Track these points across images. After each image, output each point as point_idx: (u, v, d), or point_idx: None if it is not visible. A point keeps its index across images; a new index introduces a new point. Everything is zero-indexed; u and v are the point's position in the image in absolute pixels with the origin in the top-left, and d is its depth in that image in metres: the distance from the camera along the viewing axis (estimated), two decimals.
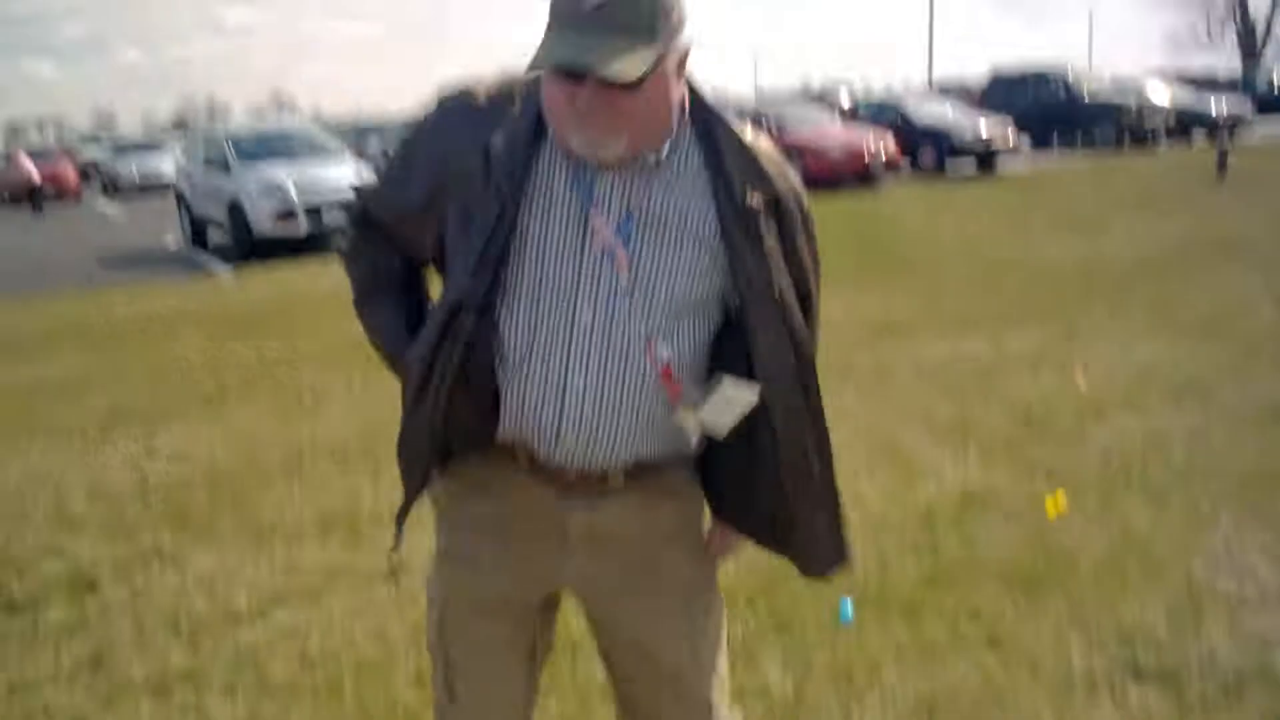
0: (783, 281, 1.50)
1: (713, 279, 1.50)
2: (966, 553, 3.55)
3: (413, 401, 1.55)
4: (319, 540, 4.00)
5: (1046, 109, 23.89)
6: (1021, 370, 5.71)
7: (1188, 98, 26.16)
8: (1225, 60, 45.72)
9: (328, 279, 10.45)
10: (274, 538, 4.04)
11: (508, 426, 1.53)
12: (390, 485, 4.43)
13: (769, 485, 1.57)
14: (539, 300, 1.47)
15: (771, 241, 1.50)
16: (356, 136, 27.20)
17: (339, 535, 4.04)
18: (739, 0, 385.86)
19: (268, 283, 10.63)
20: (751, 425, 1.52)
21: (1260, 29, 46.98)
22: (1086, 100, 23.70)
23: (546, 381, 1.48)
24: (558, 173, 1.48)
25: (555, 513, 1.58)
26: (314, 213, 12.69)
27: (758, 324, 1.49)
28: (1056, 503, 3.79)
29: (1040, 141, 23.91)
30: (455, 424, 1.53)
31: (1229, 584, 3.23)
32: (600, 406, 1.48)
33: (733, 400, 1.50)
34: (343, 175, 12.99)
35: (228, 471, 4.84)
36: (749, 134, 1.54)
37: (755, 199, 1.49)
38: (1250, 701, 2.62)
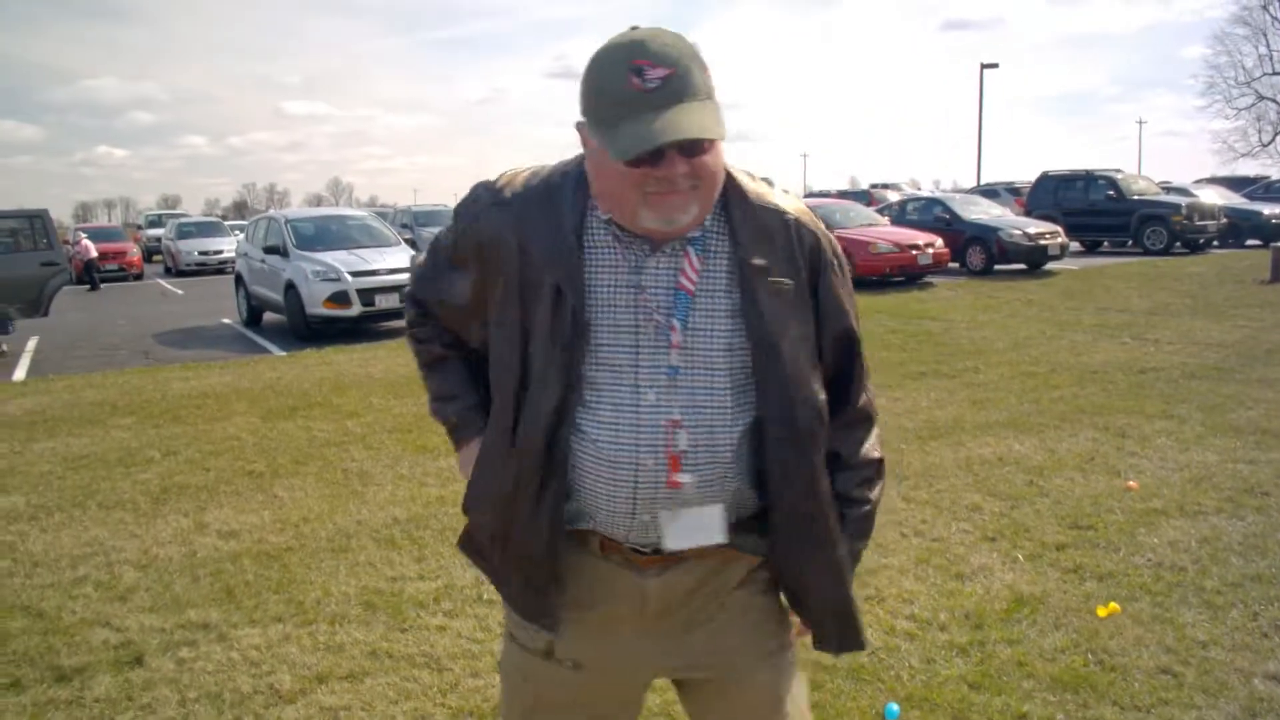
0: (787, 342, 1.53)
1: (737, 350, 1.53)
2: (1015, 656, 3.48)
3: (530, 505, 1.56)
4: (363, 621, 4.01)
5: (1096, 210, 23.89)
6: (1071, 472, 5.64)
7: (1239, 201, 26.10)
8: (1276, 167, 45.62)
9: (378, 363, 10.64)
10: (318, 617, 4.07)
11: (584, 514, 1.57)
12: (435, 568, 4.49)
13: (773, 547, 1.61)
14: (614, 390, 1.51)
15: (774, 301, 1.53)
16: (412, 222, 27.91)
17: (383, 617, 4.05)
18: (791, 102, 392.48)
19: (320, 364, 10.80)
20: (763, 490, 1.56)
21: None
22: (1136, 201, 23.68)
23: (618, 466, 1.51)
24: (606, 261, 1.52)
25: (633, 588, 1.60)
26: (366, 297, 12.97)
27: (762, 380, 1.52)
28: (1109, 607, 3.72)
29: (1090, 244, 23.88)
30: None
31: None
32: (646, 484, 1.52)
33: (701, 528, 1.54)
34: (395, 261, 13.39)
35: (275, 549, 4.88)
36: (757, 187, 1.59)
37: (758, 259, 1.53)
38: None
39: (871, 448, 1.70)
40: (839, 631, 1.67)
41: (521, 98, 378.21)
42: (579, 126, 1.48)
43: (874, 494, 1.70)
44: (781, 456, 1.54)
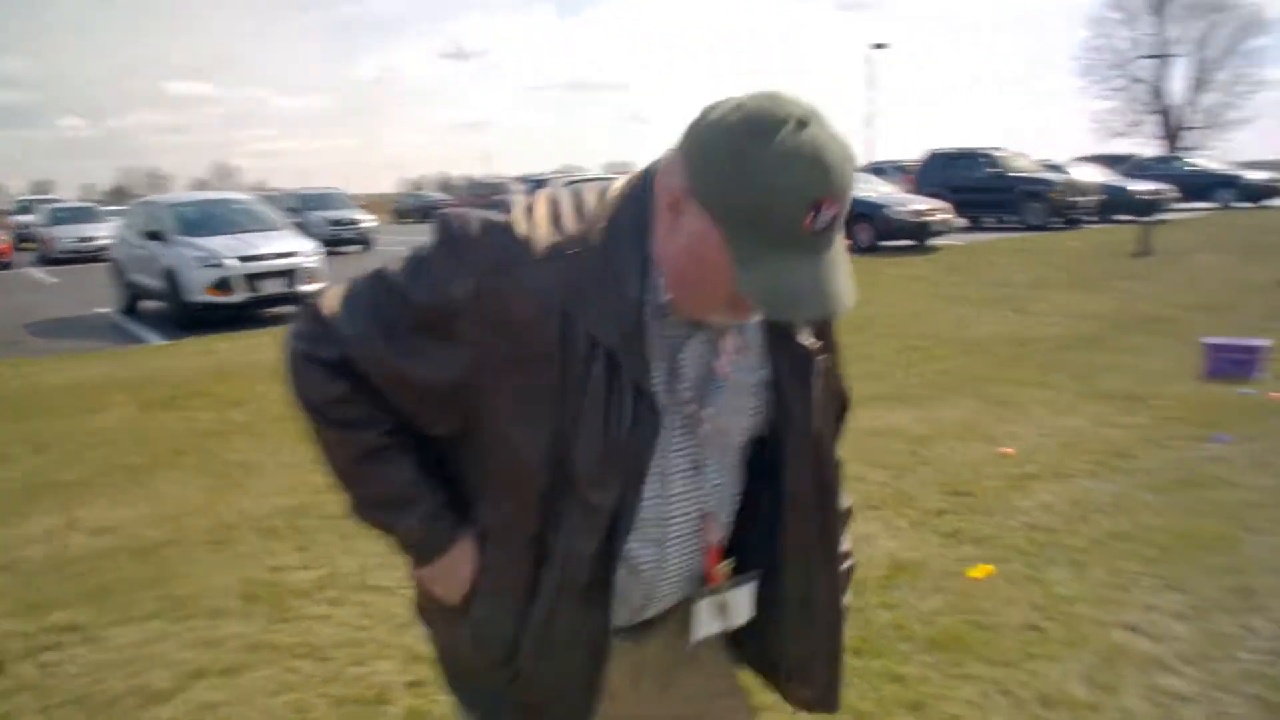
0: (823, 422, 1.46)
1: (756, 424, 1.44)
2: (893, 620, 3.57)
3: (569, 630, 1.38)
4: (242, 615, 3.92)
5: (980, 187, 24.59)
6: (952, 441, 5.80)
7: (1113, 179, 27.21)
8: (1147, 145, 47.61)
9: (263, 350, 10.36)
10: (196, 612, 3.95)
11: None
12: (318, 556, 4.40)
13: (767, 620, 1.54)
14: (661, 484, 1.38)
15: (820, 384, 1.44)
16: (301, 206, 27.20)
17: (263, 609, 3.96)
18: (684, 85, 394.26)
19: (201, 353, 10.49)
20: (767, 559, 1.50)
21: (1177, 116, 49.12)
22: (1017, 178, 24.45)
23: (641, 561, 1.41)
24: (651, 344, 1.31)
25: (629, 663, 1.52)
26: (251, 283, 12.67)
27: (792, 459, 1.44)
28: (982, 571, 3.84)
29: (974, 220, 24.57)
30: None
31: (1145, 646, 3.28)
32: (671, 578, 1.45)
33: (735, 610, 1.49)
34: (281, 246, 13.15)
35: (151, 545, 4.73)
36: None
37: (811, 340, 1.43)
38: None
39: (845, 495, 1.62)
40: (822, 695, 1.61)
41: (414, 78, 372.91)
42: (687, 192, 1.19)
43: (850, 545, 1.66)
44: (805, 534, 1.48)
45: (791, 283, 1.16)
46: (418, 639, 3.62)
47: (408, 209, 50.60)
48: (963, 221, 23.25)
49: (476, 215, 1.30)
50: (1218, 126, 50.13)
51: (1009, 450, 5.52)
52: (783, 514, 1.46)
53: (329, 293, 1.43)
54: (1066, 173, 25.76)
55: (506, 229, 1.27)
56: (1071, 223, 24.00)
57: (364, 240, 26.95)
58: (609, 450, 1.28)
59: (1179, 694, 3.00)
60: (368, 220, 27.48)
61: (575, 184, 1.35)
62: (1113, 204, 25.71)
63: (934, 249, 18.85)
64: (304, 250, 13.48)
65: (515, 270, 1.25)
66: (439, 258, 1.30)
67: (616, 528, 1.33)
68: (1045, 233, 22.08)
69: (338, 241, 26.22)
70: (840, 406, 1.56)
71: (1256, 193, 30.45)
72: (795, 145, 1.13)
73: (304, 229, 20.08)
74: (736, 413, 1.40)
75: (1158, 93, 50.16)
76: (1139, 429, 5.88)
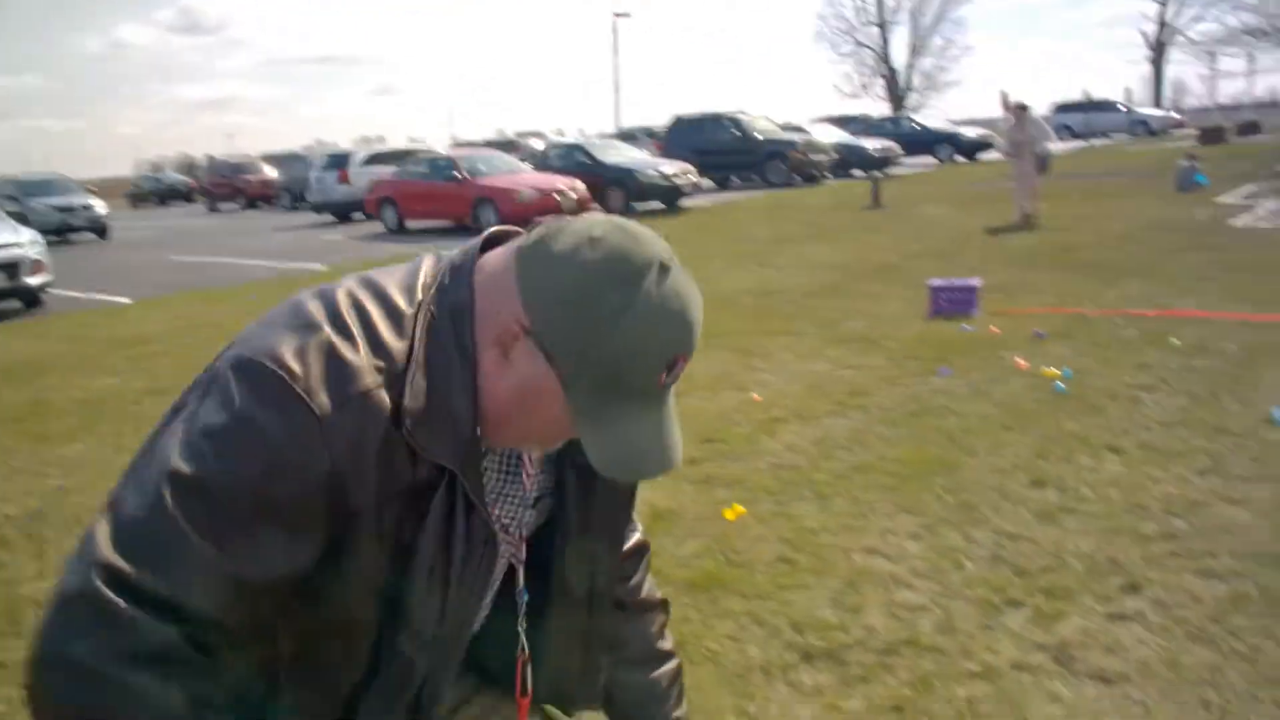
0: (600, 526, 1.40)
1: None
2: (654, 567, 3.69)
3: None
4: None
5: (724, 150, 25.51)
6: (704, 392, 6.03)
7: (847, 139, 28.90)
8: (877, 106, 50.69)
9: None
10: None
11: None
12: (57, 564, 4.10)
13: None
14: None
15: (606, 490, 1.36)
16: (19, 194, 24.97)
17: None
18: (435, 55, 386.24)
19: None
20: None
21: (902, 79, 52.55)
22: (760, 141, 25.52)
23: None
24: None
25: None
26: None
27: (560, 559, 1.38)
28: (734, 510, 4.03)
29: (721, 181, 25.48)
30: None
31: (884, 566, 3.55)
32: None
33: None
34: None
35: None
36: None
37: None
38: (901, 666, 2.90)
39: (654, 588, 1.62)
40: None
41: (147, 54, 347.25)
42: (523, 331, 1.08)
43: None
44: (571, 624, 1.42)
45: (637, 440, 1.10)
46: None
47: (145, 192, 47.19)
48: (709, 183, 24.07)
49: (296, 351, 1.07)
50: (935, 88, 53.99)
51: (757, 397, 5.80)
52: (549, 607, 1.38)
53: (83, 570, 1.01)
54: (806, 133, 27.15)
55: (306, 392, 1.05)
56: (811, 180, 25.28)
57: (99, 227, 25.04)
58: (446, 579, 1.17)
59: (915, 605, 3.26)
60: (100, 205, 25.46)
61: (370, 280, 1.18)
62: (848, 162, 27.31)
63: (683, 210, 19.41)
64: (21, 240, 12.33)
65: (343, 431, 1.05)
66: (264, 418, 1.05)
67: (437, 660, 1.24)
68: (788, 190, 23.14)
69: (68, 229, 24.31)
70: (630, 499, 1.48)
71: (971, 147, 33.04)
72: (661, 299, 1.06)
73: (26, 219, 18.42)
74: (528, 525, 1.33)
75: (883, 57, 53.39)
76: (875, 369, 6.30)
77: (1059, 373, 5.71)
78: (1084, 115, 39.86)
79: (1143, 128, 41.13)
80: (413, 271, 1.19)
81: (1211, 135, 31.69)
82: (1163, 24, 57.56)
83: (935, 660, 2.92)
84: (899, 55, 54.00)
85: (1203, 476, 4.14)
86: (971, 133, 34.14)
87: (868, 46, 53.73)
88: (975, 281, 7.93)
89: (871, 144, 28.88)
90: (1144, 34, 59.22)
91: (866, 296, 8.88)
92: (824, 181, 25.59)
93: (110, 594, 0.97)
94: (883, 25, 53.07)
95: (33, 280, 12.12)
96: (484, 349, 1.11)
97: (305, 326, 1.10)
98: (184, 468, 1.03)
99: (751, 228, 15.38)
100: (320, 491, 1.05)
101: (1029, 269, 9.72)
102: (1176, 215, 13.07)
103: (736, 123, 25.86)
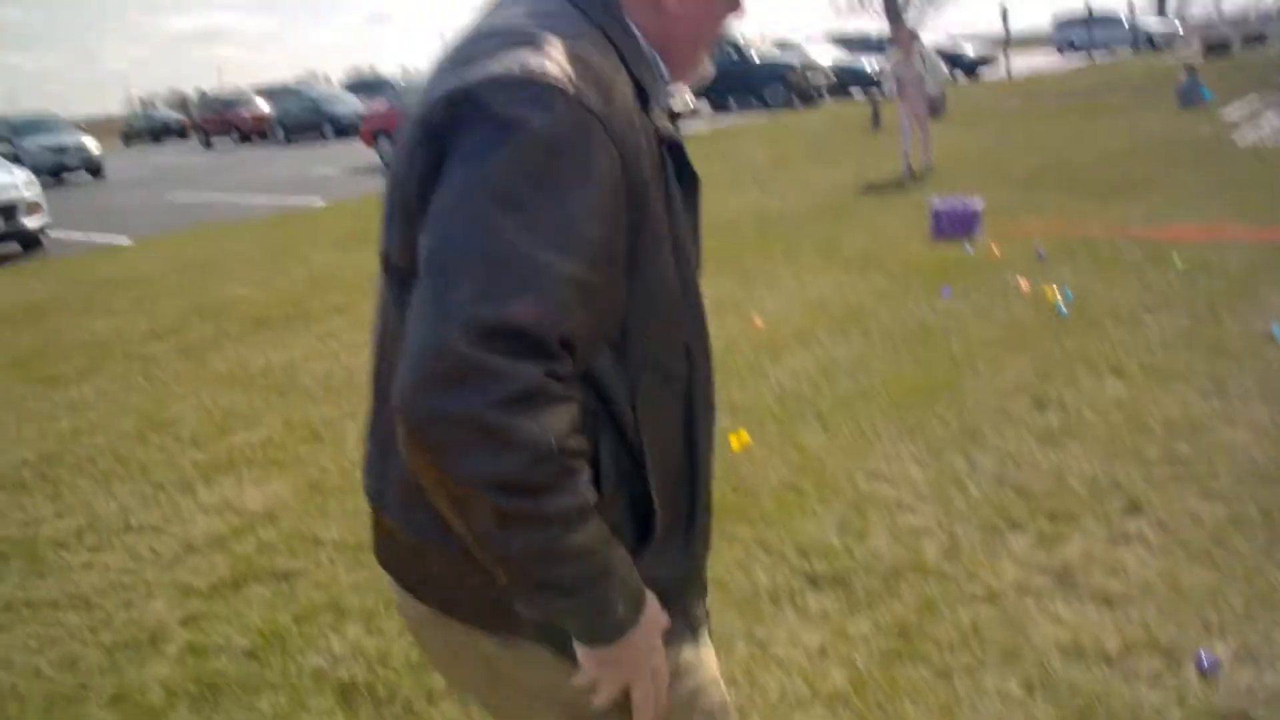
0: None
1: None
2: None
3: (706, 453, 1.28)
4: None
5: (722, 73, 25.08)
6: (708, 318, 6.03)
7: (845, 58, 28.42)
8: (876, 23, 49.77)
9: None
10: None
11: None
12: (73, 504, 4.17)
13: None
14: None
15: None
16: (10, 134, 24.73)
17: (17, 565, 3.73)
18: None
19: None
20: None
21: None
22: (757, 64, 25.15)
23: (710, 403, 1.31)
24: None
25: None
26: None
27: None
28: (740, 438, 4.07)
29: (718, 104, 25.15)
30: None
31: (888, 491, 3.60)
32: None
33: None
34: None
35: None
36: None
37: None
38: (906, 590, 2.96)
39: None
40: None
41: None
42: None
43: None
44: None
45: None
46: (190, 572, 3.54)
47: (138, 130, 46.27)
48: (707, 107, 23.79)
49: (547, 69, 1.07)
50: (933, 4, 52.95)
51: (760, 322, 5.81)
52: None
53: (455, 301, 1.00)
54: (804, 53, 26.73)
55: (567, 93, 1.05)
56: (809, 101, 24.97)
57: (94, 167, 24.77)
58: (687, 243, 1.22)
59: (919, 529, 3.32)
60: (93, 144, 25.17)
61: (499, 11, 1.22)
62: (845, 82, 26.92)
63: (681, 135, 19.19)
64: (17, 181, 12.20)
65: (610, 123, 1.07)
66: (573, 148, 1.05)
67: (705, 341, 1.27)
68: (786, 112, 22.87)
69: (61, 170, 24.11)
70: None
71: (972, 65, 32.54)
72: None
73: (19, 159, 18.25)
74: None
75: None
76: (876, 291, 6.30)
77: (1060, 293, 5.71)
78: (1085, 29, 39.15)
79: (1146, 41, 40.46)
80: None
81: (1216, 48, 31.19)
82: None
83: (939, 584, 2.97)
84: None
85: (1204, 398, 4.17)
86: (971, 50, 33.61)
87: None
88: (977, 203, 7.88)
89: (869, 63, 28.44)
90: None
91: (867, 218, 8.85)
92: (822, 102, 25.29)
93: (465, 344, 0.97)
94: None
95: (30, 222, 12.04)
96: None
97: (528, 41, 1.10)
98: (493, 191, 1.02)
99: (750, 151, 15.24)
100: (620, 175, 1.07)
101: (1031, 189, 9.66)
102: (1179, 131, 12.94)
103: (734, 45, 25.48)
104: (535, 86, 1.04)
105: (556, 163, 1.03)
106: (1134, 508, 3.32)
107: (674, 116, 1.31)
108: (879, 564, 3.11)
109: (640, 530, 1.18)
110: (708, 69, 1.32)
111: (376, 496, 1.29)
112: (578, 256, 1.02)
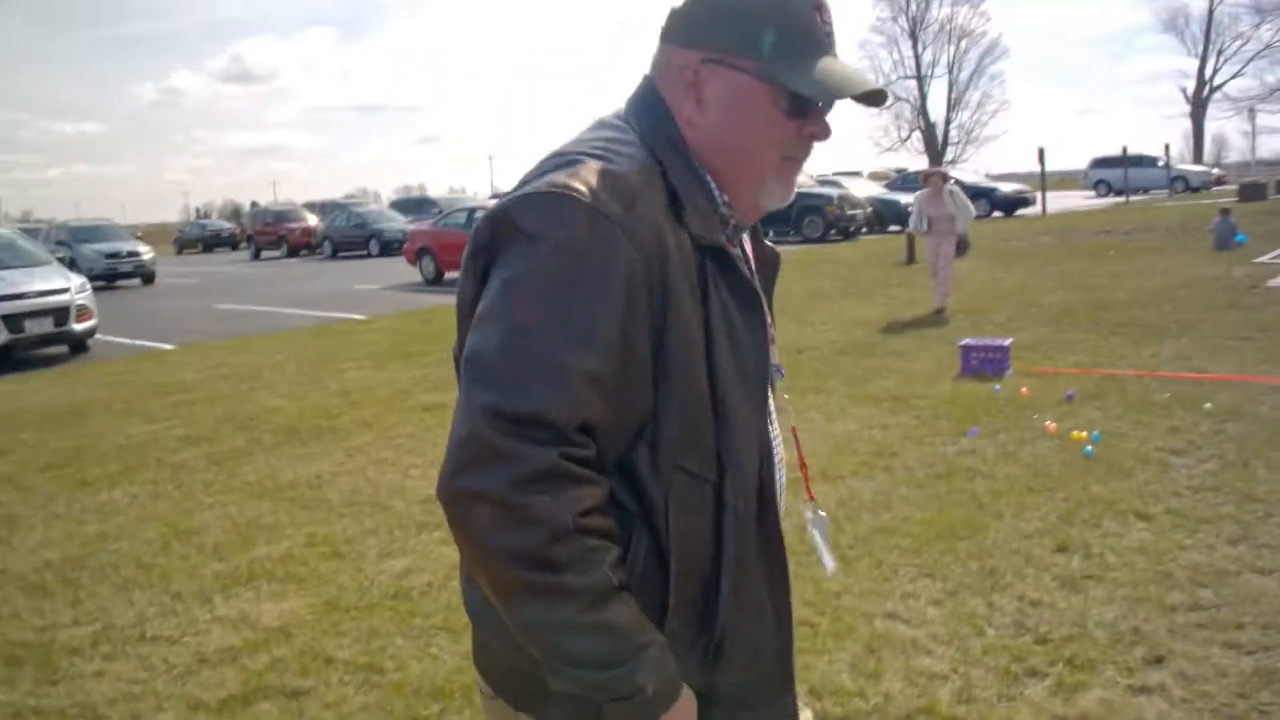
0: None
1: None
2: None
3: (760, 581, 1.32)
4: (4, 681, 3.69)
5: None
6: None
7: (882, 192, 28.95)
8: (914, 160, 50.75)
9: (30, 394, 9.74)
10: None
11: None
12: (92, 610, 4.20)
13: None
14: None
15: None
16: (70, 239, 25.50)
17: (30, 671, 3.74)
18: (474, 103, 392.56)
19: None
20: None
21: (940, 131, 52.66)
22: (797, 193, 25.61)
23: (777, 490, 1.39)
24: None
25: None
26: (14, 323, 11.89)
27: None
28: None
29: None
30: None
31: (904, 631, 3.55)
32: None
33: (826, 537, 1.59)
34: (46, 283, 12.41)
35: None
36: None
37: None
38: None
39: None
40: None
41: (197, 101, 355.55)
42: (702, 59, 1.26)
43: None
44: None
45: (838, 70, 1.25)
46: (200, 686, 3.53)
47: (191, 239, 47.67)
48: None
49: (571, 184, 1.17)
50: (973, 142, 53.94)
51: (784, 456, 5.79)
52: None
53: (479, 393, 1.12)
54: (842, 187, 27.24)
55: (591, 205, 1.15)
56: (847, 235, 25.35)
57: (146, 274, 25.47)
58: (738, 348, 1.27)
59: (935, 673, 3.26)
60: (147, 252, 25.97)
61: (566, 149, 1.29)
62: (883, 216, 27.34)
63: None
64: (70, 286, 12.66)
65: (636, 228, 1.17)
66: (599, 251, 1.14)
67: (765, 450, 1.31)
68: (823, 245, 23.19)
69: (114, 276, 24.78)
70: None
71: (1009, 203, 32.93)
72: None
73: (75, 264, 18.83)
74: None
75: (921, 110, 53.53)
76: (902, 428, 6.30)
77: (1088, 436, 5.68)
78: (1121, 170, 39.65)
79: (1182, 184, 40.87)
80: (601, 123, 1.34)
81: (1252, 191, 31.43)
82: (1201, 80, 57.46)
83: None
84: (937, 109, 54.14)
85: (1232, 545, 4.11)
86: (1010, 188, 34.08)
87: (905, 99, 53.97)
88: (1007, 341, 7.92)
89: (906, 198, 28.91)
90: (1183, 90, 59.15)
91: (897, 354, 8.88)
92: (859, 236, 25.67)
93: (490, 432, 1.09)
94: (920, 79, 53.34)
95: (79, 326, 12.44)
96: (680, 112, 1.29)
97: (567, 163, 1.22)
98: (519, 297, 1.14)
99: (787, 282, 15.22)
100: (643, 275, 1.16)
101: (1062, 326, 9.69)
102: (1214, 274, 12.98)
103: None
104: (556, 198, 1.16)
105: (577, 268, 1.13)
106: (1156, 658, 3.25)
107: (736, 229, 1.36)
108: (891, 707, 3.06)
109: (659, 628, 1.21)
110: (782, 191, 1.36)
111: (463, 598, 1.39)
112: (595, 353, 1.12)
